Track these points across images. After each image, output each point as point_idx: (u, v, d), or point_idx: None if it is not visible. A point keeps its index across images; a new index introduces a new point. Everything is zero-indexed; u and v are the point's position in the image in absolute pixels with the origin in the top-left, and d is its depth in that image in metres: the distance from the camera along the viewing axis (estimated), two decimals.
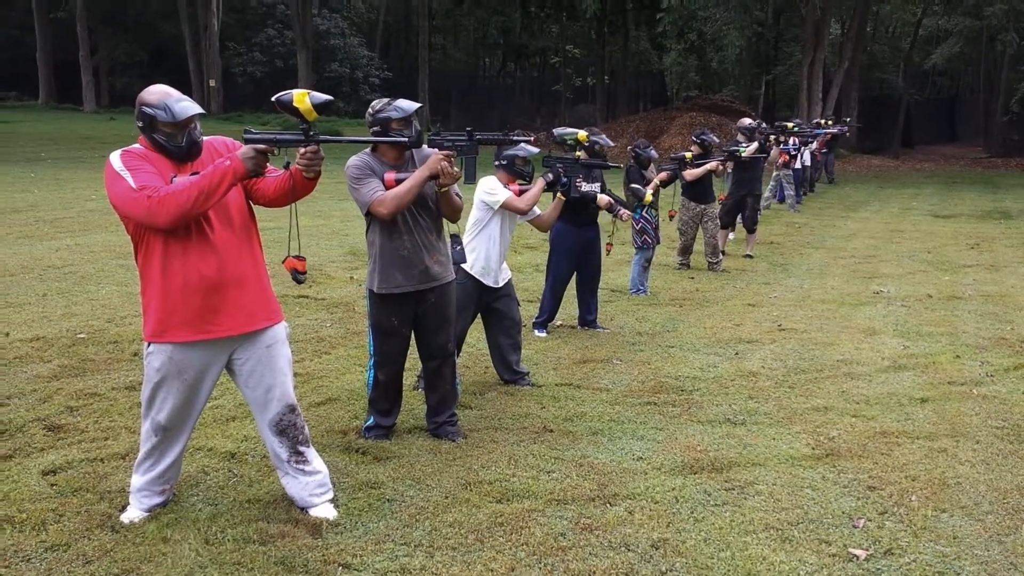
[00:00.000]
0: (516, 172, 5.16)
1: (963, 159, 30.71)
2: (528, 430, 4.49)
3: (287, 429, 3.37)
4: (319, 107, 3.08)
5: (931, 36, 36.32)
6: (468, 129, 4.29)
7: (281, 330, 3.40)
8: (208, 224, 3.12)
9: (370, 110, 4.03)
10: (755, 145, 9.87)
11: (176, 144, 3.09)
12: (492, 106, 41.06)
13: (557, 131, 6.48)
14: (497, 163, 5.20)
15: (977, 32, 32.32)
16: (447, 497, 3.63)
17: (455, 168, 3.90)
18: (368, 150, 4.10)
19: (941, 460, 4.17)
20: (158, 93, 3.08)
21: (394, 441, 4.25)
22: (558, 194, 5.50)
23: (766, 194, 14.37)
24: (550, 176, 5.43)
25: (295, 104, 3.06)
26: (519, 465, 4.01)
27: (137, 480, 3.37)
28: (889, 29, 37.35)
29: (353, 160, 4.01)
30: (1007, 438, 4.50)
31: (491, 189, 5.04)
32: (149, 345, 3.19)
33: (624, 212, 6.45)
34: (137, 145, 3.15)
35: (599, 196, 6.28)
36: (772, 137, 11.10)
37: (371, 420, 4.30)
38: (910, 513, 3.60)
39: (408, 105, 3.94)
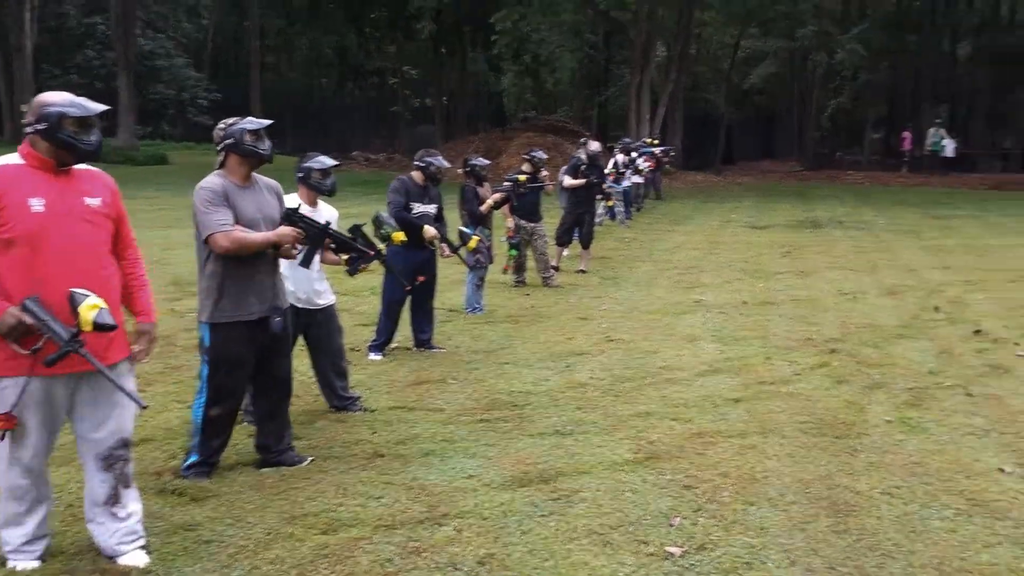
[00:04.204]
0: (312, 186, 5.04)
1: (779, 173, 32.95)
2: (358, 457, 4.44)
3: (115, 464, 3.19)
4: (99, 326, 2.88)
5: (749, 57, 38.86)
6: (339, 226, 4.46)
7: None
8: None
9: (221, 125, 4.02)
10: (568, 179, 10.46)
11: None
12: (329, 126, 40.49)
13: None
14: (297, 177, 5.08)
15: (791, 53, 34.89)
16: (269, 533, 3.53)
17: (295, 249, 4.12)
18: (219, 171, 4.02)
19: (751, 456, 4.45)
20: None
21: (213, 480, 4.08)
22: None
23: (600, 211, 14.95)
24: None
25: (79, 311, 2.86)
26: (347, 493, 3.96)
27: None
28: (711, 51, 39.65)
29: (207, 182, 3.94)
30: (810, 432, 4.86)
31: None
32: None
33: (446, 249, 6.53)
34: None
35: (426, 228, 6.31)
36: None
37: (194, 457, 4.12)
38: (722, 508, 3.82)
39: (260, 122, 4.01)
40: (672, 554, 3.39)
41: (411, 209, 6.38)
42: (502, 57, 27.79)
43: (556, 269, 10.21)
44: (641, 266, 11.43)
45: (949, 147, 29.88)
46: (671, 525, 3.64)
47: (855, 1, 35.52)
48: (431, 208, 6.49)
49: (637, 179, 17.17)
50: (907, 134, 31.83)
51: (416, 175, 6.55)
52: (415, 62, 40.06)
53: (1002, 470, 4.29)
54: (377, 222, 5.44)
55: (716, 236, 14.80)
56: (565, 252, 10.96)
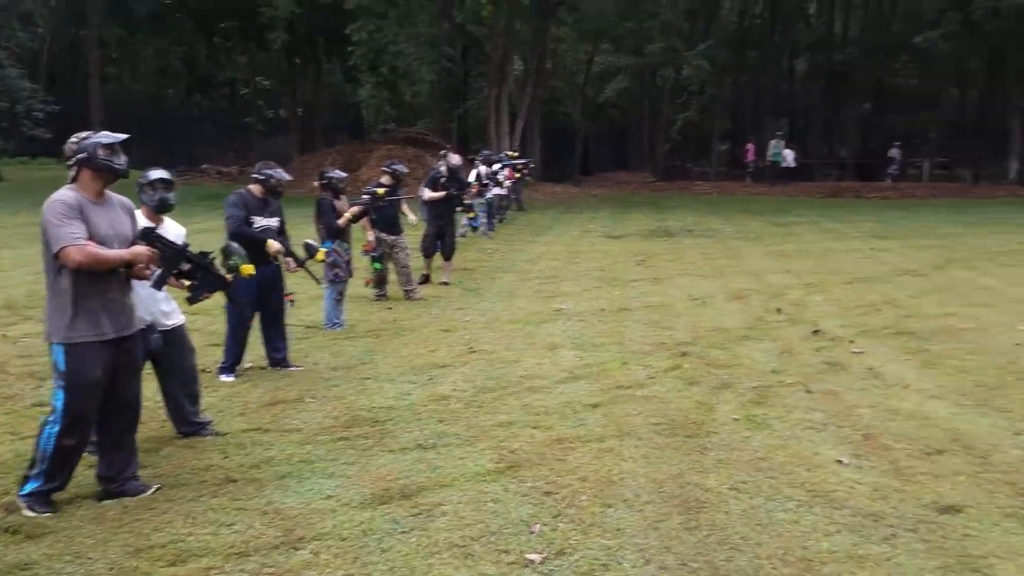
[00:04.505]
0: (143, 202, 4.78)
1: (633, 184, 34.07)
2: (208, 483, 4.25)
3: None
4: None
5: (603, 72, 40.07)
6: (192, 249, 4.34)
7: None
8: None
9: (74, 139, 3.87)
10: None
11: None
12: (177, 138, 38.81)
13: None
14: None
15: (641, 69, 36.22)
16: (112, 569, 3.33)
17: (149, 269, 4.01)
18: (71, 185, 3.83)
19: (608, 459, 4.55)
20: None
21: (50, 515, 3.81)
22: None
23: (464, 223, 15.04)
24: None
25: None
26: (197, 522, 3.78)
27: None
28: (566, 66, 40.61)
29: (61, 195, 3.76)
30: (664, 433, 5.02)
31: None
32: None
33: (291, 263, 6.37)
34: None
35: (270, 242, 6.13)
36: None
37: (35, 485, 3.84)
38: (580, 512, 3.88)
39: (115, 136, 3.92)
40: (532, 561, 3.42)
41: (252, 223, 6.18)
42: (358, 68, 27.37)
43: (427, 279, 10.31)
44: (503, 277, 11.54)
45: (789, 158, 31.77)
46: (531, 532, 3.68)
47: (700, 19, 37.29)
48: (273, 222, 6.31)
49: (499, 191, 17.34)
50: (750, 146, 33.66)
51: (255, 188, 6.36)
52: (268, 72, 38.96)
53: (840, 461, 4.57)
54: (227, 252, 5.24)
55: (575, 246, 15.13)
56: (423, 262, 10.90)
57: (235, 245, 5.29)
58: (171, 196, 4.78)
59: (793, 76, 38.19)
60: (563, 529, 3.71)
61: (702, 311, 8.99)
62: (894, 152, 32.13)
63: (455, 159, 11.24)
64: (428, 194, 10.61)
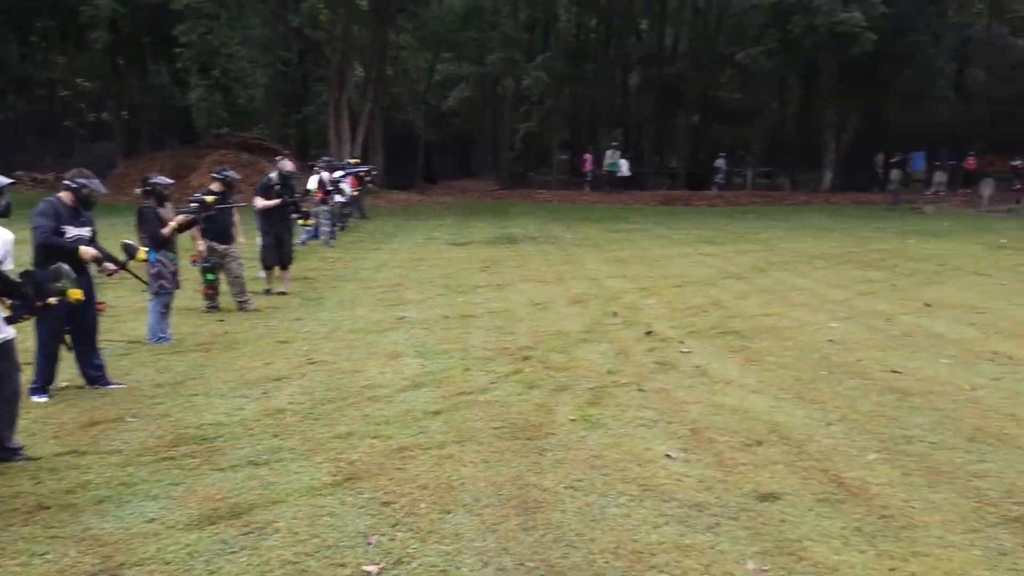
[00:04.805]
0: None
1: (477, 192, 34.40)
2: (19, 511, 3.92)
3: None
4: None
5: (445, 80, 40.22)
6: None
7: None
8: None
9: None
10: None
11: None
12: None
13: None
14: None
15: (483, 78, 36.62)
16: None
17: None
18: None
19: (448, 466, 4.55)
20: None
21: None
22: None
23: (309, 230, 14.68)
24: None
25: None
26: (5, 553, 3.49)
27: None
28: (408, 73, 40.50)
29: None
30: (504, 436, 5.07)
31: None
32: None
33: (110, 267, 6.00)
34: None
35: (83, 249, 5.75)
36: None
37: None
38: (419, 520, 3.85)
39: None
40: (369, 573, 3.36)
41: (63, 233, 5.77)
42: (188, 71, 26.23)
43: (268, 292, 10.01)
44: (345, 286, 11.32)
45: (624, 167, 33.03)
46: (369, 544, 3.61)
47: (539, 31, 38.17)
48: (85, 231, 5.91)
49: (340, 198, 17.04)
50: (588, 156, 34.76)
51: (65, 196, 5.93)
52: (89, 74, 36.60)
53: (669, 456, 4.76)
54: (56, 274, 4.86)
55: (419, 253, 15.08)
56: (261, 274, 10.53)
57: (66, 267, 4.96)
58: (3, 201, 4.44)
59: (627, 89, 39.74)
60: (401, 538, 3.67)
61: (543, 316, 9.15)
62: (720, 162, 34.10)
63: (287, 165, 10.88)
64: (261, 203, 10.26)
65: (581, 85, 37.95)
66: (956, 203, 26.32)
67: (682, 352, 7.38)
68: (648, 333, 8.17)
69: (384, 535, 3.69)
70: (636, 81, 39.77)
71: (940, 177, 29.92)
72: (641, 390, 6.16)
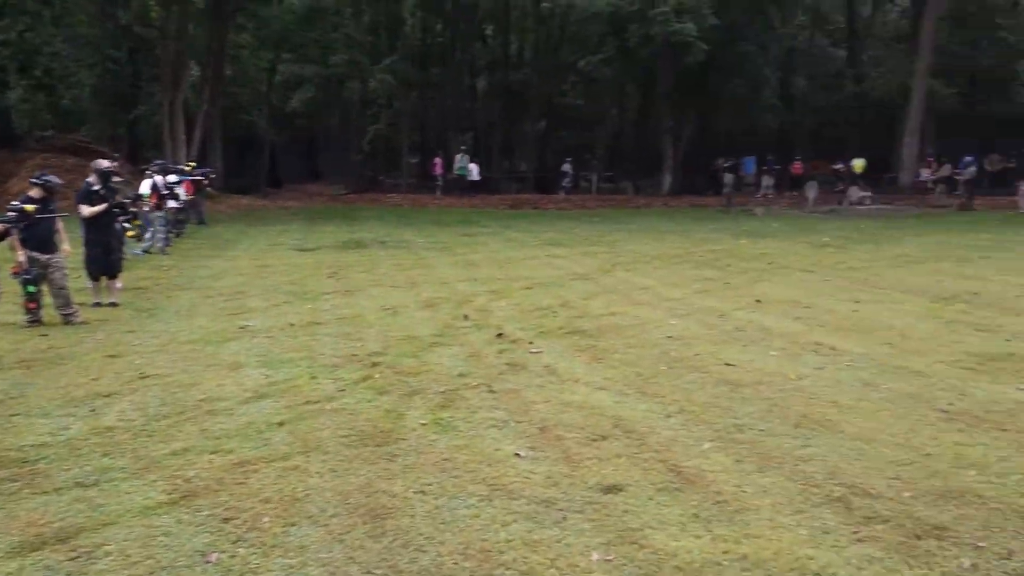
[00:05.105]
0: None
1: (326, 196, 33.71)
2: None
3: None
4: None
5: (288, 81, 39.17)
6: None
7: None
8: None
9: None
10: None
11: None
12: None
13: None
14: None
15: (328, 79, 35.90)
16: None
17: None
18: None
19: (293, 477, 4.42)
20: None
21: None
22: None
23: (147, 237, 13.93)
24: None
25: None
26: None
27: None
28: (248, 73, 39.17)
29: None
30: (353, 444, 4.98)
31: None
32: None
33: None
34: None
35: None
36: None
37: None
38: (262, 535, 3.72)
39: None
40: None
41: None
42: (7, 70, 24.32)
43: (98, 305, 9.38)
44: (182, 295, 10.80)
45: (474, 171, 33.29)
46: (208, 562, 3.46)
47: (385, 34, 37.86)
48: None
49: (174, 203, 16.26)
50: (438, 160, 34.77)
51: None
52: None
53: (518, 455, 4.82)
54: None
55: (263, 260, 14.59)
56: (89, 284, 9.88)
57: None
58: None
59: (475, 93, 40.08)
60: (243, 554, 3.53)
61: (394, 321, 9.07)
62: (566, 167, 34.97)
63: (103, 163, 10.16)
64: (87, 210, 9.60)
65: (429, 89, 37.96)
66: (784, 205, 28.11)
67: (532, 352, 7.50)
68: (499, 335, 8.24)
69: (225, 552, 3.54)
70: (483, 86, 40.19)
71: (768, 181, 31.91)
72: (492, 391, 6.20)
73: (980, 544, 3.67)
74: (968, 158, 26.70)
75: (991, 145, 30.72)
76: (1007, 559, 3.55)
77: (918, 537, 3.75)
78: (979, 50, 33.55)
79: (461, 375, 6.70)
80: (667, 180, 33.21)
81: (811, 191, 27.45)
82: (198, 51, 30.04)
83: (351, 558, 3.51)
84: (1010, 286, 11.03)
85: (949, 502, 4.12)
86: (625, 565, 3.51)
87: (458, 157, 33.94)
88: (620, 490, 4.29)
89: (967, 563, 3.50)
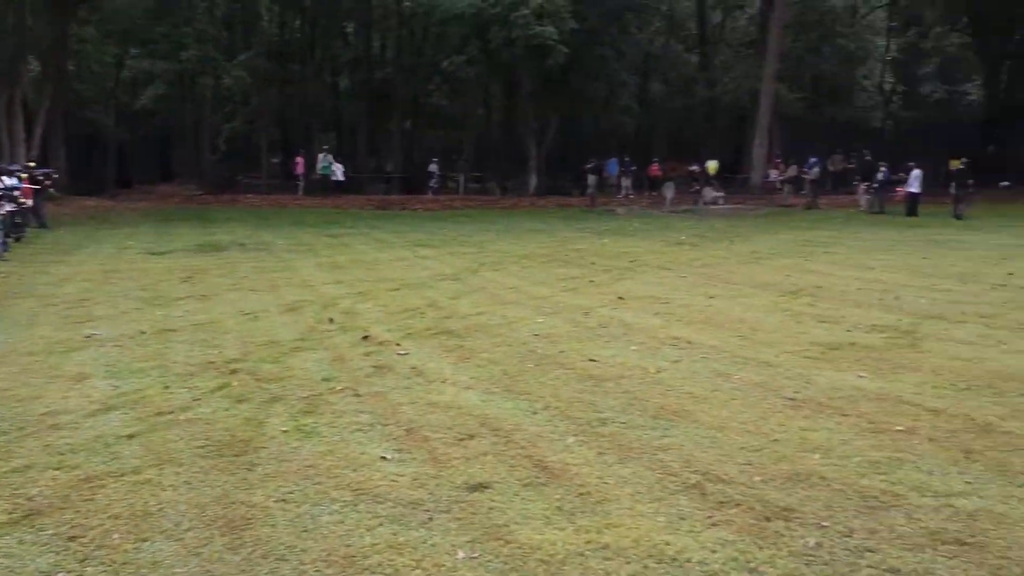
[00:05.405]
0: None
1: (179, 197, 32.30)
2: None
3: None
4: None
5: (137, 77, 37.30)
6: None
7: None
8: None
9: None
10: None
11: None
12: None
13: None
14: None
15: (179, 75, 34.37)
16: None
17: None
18: None
19: (145, 491, 4.21)
20: None
21: None
22: None
23: None
24: None
25: None
26: None
27: None
28: (92, 68, 37.04)
29: None
30: (209, 455, 4.79)
31: None
32: None
33: None
34: None
35: None
36: None
37: None
38: (112, 552, 3.54)
39: None
40: None
41: None
42: None
43: None
44: (21, 303, 10.10)
45: (338, 171, 32.71)
46: None
47: (239, 29, 36.64)
48: None
49: (10, 206, 15.18)
50: (300, 159, 33.98)
51: None
52: None
53: (384, 458, 4.77)
54: None
55: (111, 265, 13.83)
56: None
57: None
58: None
59: (338, 91, 39.39)
60: (91, 573, 3.35)
61: (254, 326, 8.79)
62: (433, 167, 34.89)
63: None
64: None
65: (289, 86, 37.01)
66: (644, 205, 29.07)
67: (399, 354, 7.44)
68: (365, 337, 8.14)
69: (71, 572, 3.35)
70: (346, 84, 39.55)
71: (627, 182, 32.90)
72: (357, 395, 6.11)
73: (824, 524, 3.91)
74: (813, 159, 28.36)
75: (834, 147, 32.82)
76: (848, 536, 3.79)
77: (767, 519, 3.96)
78: (822, 57, 35.82)
79: (325, 379, 6.57)
80: (533, 180, 33.70)
81: (669, 191, 28.53)
82: (38, 45, 28.18)
83: (208, 571, 3.38)
84: (851, 280, 11.82)
85: (796, 485, 4.37)
86: (490, 561, 3.54)
87: (320, 156, 33.29)
88: (486, 488, 4.32)
89: (812, 542, 3.72)
